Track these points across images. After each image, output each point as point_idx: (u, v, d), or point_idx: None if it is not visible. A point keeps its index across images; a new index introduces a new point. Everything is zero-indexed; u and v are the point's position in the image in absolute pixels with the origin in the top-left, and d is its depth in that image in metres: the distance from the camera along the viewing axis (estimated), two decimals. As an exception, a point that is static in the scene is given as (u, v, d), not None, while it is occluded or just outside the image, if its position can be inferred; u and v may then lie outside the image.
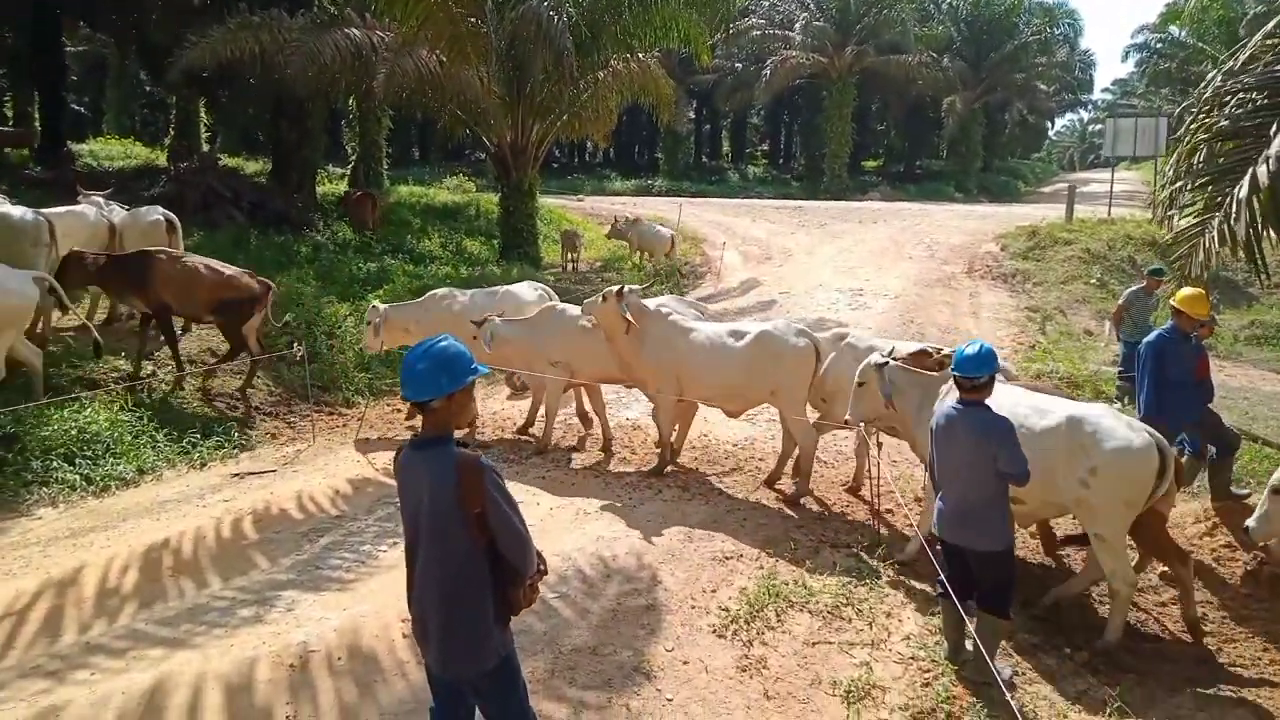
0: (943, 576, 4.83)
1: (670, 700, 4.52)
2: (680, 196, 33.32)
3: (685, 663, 4.84)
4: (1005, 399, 4.94)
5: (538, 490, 7.27)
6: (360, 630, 4.98)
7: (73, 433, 7.53)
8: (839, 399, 7.03)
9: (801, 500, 7.20)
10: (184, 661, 4.67)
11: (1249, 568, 6.16)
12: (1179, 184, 7.83)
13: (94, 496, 7.10)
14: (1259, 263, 6.98)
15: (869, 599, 5.55)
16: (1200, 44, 33.63)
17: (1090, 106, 70.00)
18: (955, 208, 32.00)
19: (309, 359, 9.17)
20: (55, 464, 7.24)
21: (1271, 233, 6.77)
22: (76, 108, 31.34)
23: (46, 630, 5.03)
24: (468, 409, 3.28)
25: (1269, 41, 7.42)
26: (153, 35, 18.66)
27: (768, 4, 40.89)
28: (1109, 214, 22.53)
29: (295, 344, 9.14)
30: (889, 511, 6.97)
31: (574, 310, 8.38)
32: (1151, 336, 7.09)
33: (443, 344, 3.19)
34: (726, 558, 6.09)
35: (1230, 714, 4.67)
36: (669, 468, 7.81)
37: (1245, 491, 6.83)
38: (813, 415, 7.43)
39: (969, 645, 4.80)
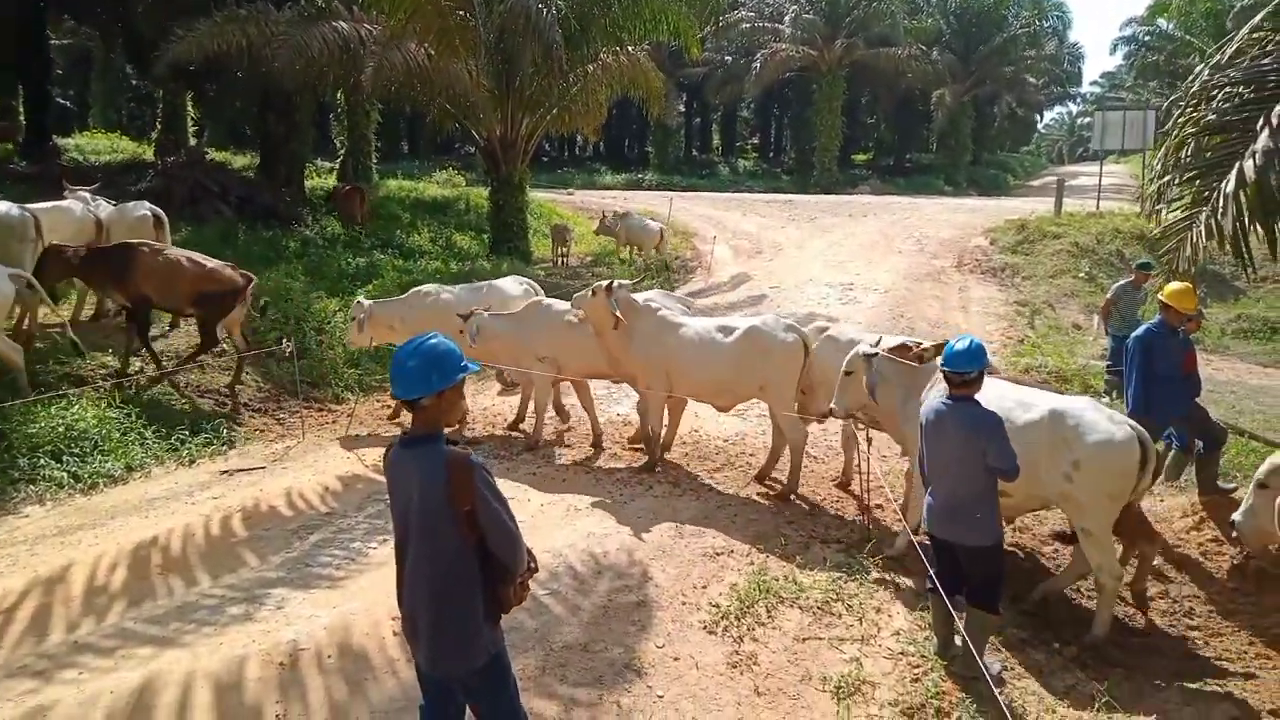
0: (932, 572, 4.84)
1: (661, 697, 4.53)
2: (670, 190, 33.28)
3: (676, 659, 4.85)
4: (989, 392, 4.96)
5: (528, 487, 7.26)
6: (350, 628, 4.97)
7: (60, 430, 7.48)
8: (819, 392, 7.07)
9: (792, 496, 7.21)
10: (173, 660, 4.65)
11: (1235, 562, 6.19)
12: (1167, 178, 7.85)
13: (82, 494, 7.06)
14: (1245, 257, 7.02)
15: (859, 594, 5.57)
16: (1188, 37, 33.78)
17: (1079, 99, 70.39)
18: (945, 201, 32.07)
19: (298, 355, 9.13)
20: (42, 461, 7.19)
21: (1258, 227, 6.80)
22: (62, 101, 31.02)
23: (34, 629, 5.00)
24: (458, 406, 3.27)
25: (1255, 35, 7.44)
26: (139, 28, 18.50)
27: (757, -3, 40.90)
28: (1097, 207, 22.61)
29: (284, 340, 9.10)
30: (879, 506, 6.99)
31: (560, 305, 8.37)
32: (1139, 331, 7.13)
33: (432, 341, 3.18)
34: (717, 554, 6.10)
35: (1216, 708, 4.71)
36: (657, 466, 7.81)
37: (1232, 486, 6.88)
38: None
39: (958, 641, 4.82)
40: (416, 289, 9.49)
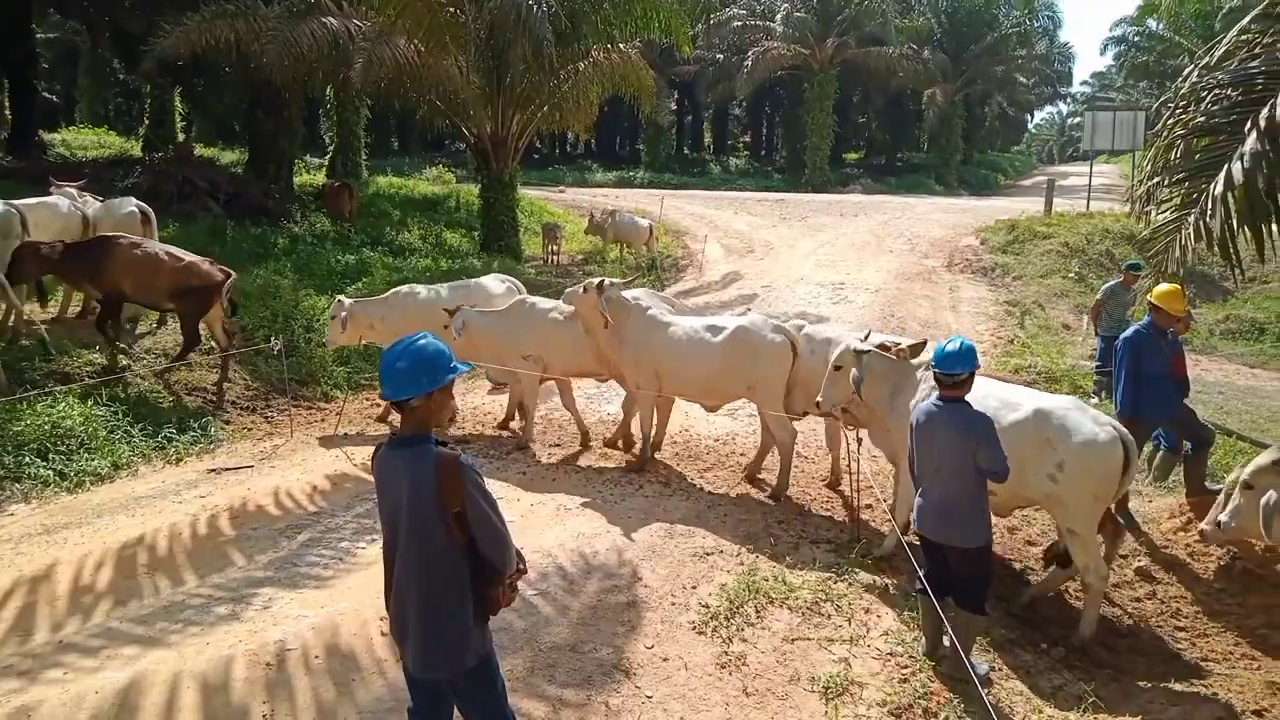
0: (921, 573, 4.85)
1: (650, 697, 4.52)
2: (662, 189, 33.29)
3: (665, 660, 4.85)
4: (975, 391, 4.96)
5: (518, 487, 7.24)
6: (338, 628, 4.95)
7: (46, 427, 7.42)
8: (797, 390, 7.08)
9: (781, 496, 7.21)
10: (159, 660, 4.62)
11: (1222, 563, 6.23)
12: (1156, 179, 7.86)
13: (67, 492, 7.01)
14: (1233, 259, 7.04)
15: (848, 595, 5.57)
16: (1177, 38, 33.99)
17: (1069, 99, 70.71)
18: (935, 201, 32.16)
19: (286, 352, 9.08)
20: (27, 459, 7.13)
21: (1246, 229, 6.82)
22: (48, 96, 30.74)
23: (18, 629, 4.96)
24: (447, 407, 3.25)
25: (1243, 38, 7.46)
26: (126, 23, 18.38)
27: (749, -5, 40.89)
28: (1087, 208, 22.73)
29: (272, 337, 9.05)
30: (868, 507, 7.00)
31: (546, 303, 8.36)
32: (1129, 332, 7.16)
33: (422, 342, 3.17)
34: (707, 554, 6.10)
35: (1202, 708, 4.73)
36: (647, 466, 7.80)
37: (1220, 486, 6.90)
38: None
39: (946, 641, 4.83)
40: (396, 289, 9.42)
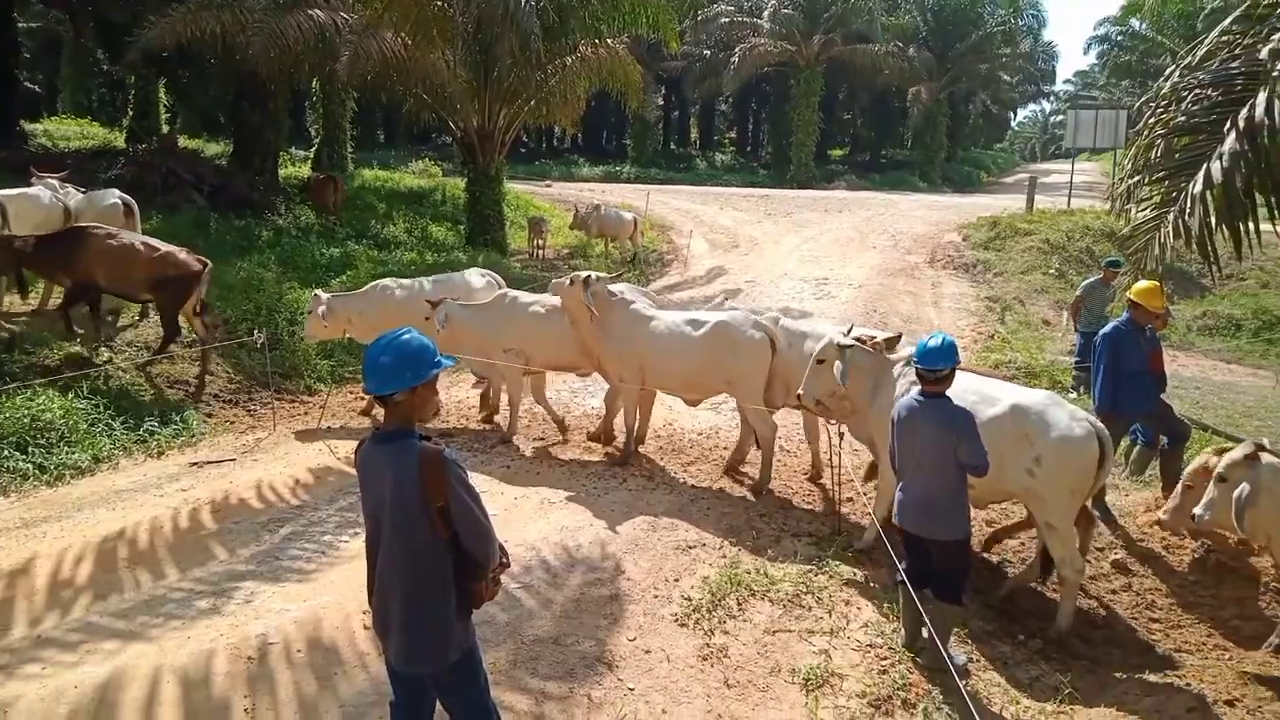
0: (901, 566, 4.90)
1: (632, 690, 4.55)
2: (648, 184, 33.28)
3: (647, 652, 4.88)
4: (954, 385, 5.00)
5: (501, 480, 7.25)
6: (320, 622, 4.95)
7: (25, 420, 7.36)
8: (774, 382, 7.11)
9: (763, 490, 7.25)
10: (139, 655, 4.61)
11: (1196, 556, 6.31)
12: (1136, 178, 7.93)
13: (47, 486, 6.96)
14: (1211, 256, 7.12)
15: (829, 587, 5.62)
16: (1160, 37, 34.23)
17: (1052, 98, 71.10)
18: (919, 197, 32.30)
19: (269, 346, 9.05)
20: (7, 452, 7.08)
21: (1224, 228, 6.90)
22: (30, 85, 30.37)
23: (-3, 623, 4.94)
24: (431, 402, 3.26)
25: (1224, 39, 7.53)
26: (109, 13, 18.20)
27: (736, -9, 40.90)
28: (1069, 205, 22.88)
29: (256, 330, 9.00)
30: (849, 500, 7.05)
31: (527, 297, 8.37)
32: (1107, 328, 7.23)
33: (406, 337, 3.17)
34: (690, 547, 6.13)
35: (1175, 698, 4.80)
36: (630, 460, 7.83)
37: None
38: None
39: (925, 633, 4.88)
40: (374, 283, 9.40)
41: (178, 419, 8.28)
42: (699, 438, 8.60)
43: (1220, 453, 5.54)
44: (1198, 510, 5.41)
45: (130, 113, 24.51)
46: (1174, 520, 5.74)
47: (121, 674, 4.42)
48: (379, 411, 3.21)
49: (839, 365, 5.81)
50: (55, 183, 10.80)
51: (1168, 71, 8.33)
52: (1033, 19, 45.82)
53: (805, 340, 6.93)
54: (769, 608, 5.37)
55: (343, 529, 6.24)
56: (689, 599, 5.39)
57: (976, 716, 3.77)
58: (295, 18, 14.92)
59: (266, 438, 8.32)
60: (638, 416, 7.92)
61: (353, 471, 3.53)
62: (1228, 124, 6.68)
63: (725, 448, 8.26)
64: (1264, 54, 6.65)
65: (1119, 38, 38.12)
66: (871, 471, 7.13)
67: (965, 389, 5.38)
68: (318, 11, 15.48)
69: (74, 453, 7.34)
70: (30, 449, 7.21)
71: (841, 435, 6.39)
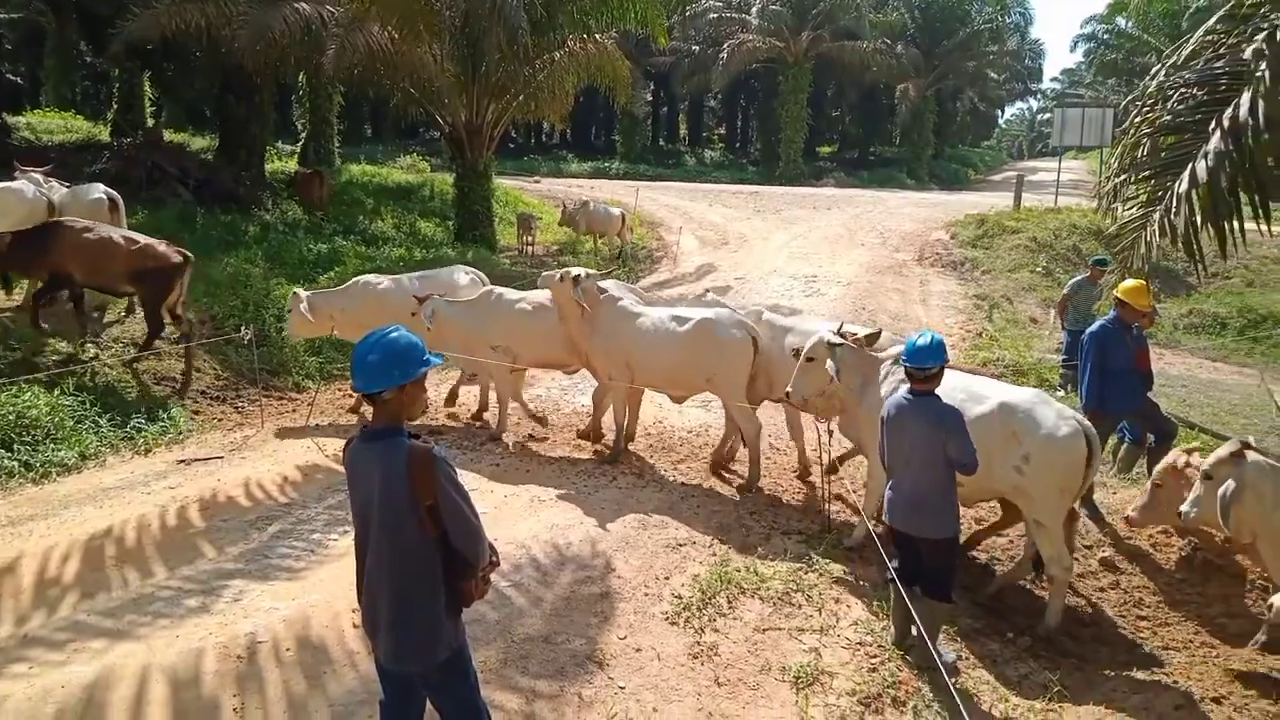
0: (891, 564, 4.92)
1: (623, 688, 4.55)
2: (637, 180, 33.26)
3: (638, 650, 4.88)
4: (943, 384, 5.02)
5: (491, 478, 7.24)
6: (309, 620, 4.93)
7: (10, 418, 7.29)
8: (759, 377, 7.12)
9: (752, 488, 7.26)
10: (127, 653, 4.58)
11: (1183, 554, 6.36)
12: (1123, 176, 7.99)
13: (33, 484, 6.91)
14: (1197, 255, 7.17)
15: (818, 585, 5.63)
16: (1146, 36, 34.42)
17: (1039, 96, 71.43)
18: (907, 195, 32.41)
19: (257, 342, 8.99)
20: (-9, 450, 7.03)
21: (1209, 226, 6.95)
22: (12, 78, 30.07)
23: (-17, 622, 4.89)
24: (419, 400, 3.25)
25: (1209, 38, 7.58)
26: (93, 5, 18.03)
27: (725, -14, 40.89)
28: (1056, 203, 22.99)
29: (243, 327, 8.94)
30: (838, 497, 7.07)
31: (513, 294, 8.36)
32: (1094, 326, 7.28)
33: (394, 335, 3.16)
34: (680, 545, 6.13)
35: (1163, 695, 4.84)
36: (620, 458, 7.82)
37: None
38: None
39: (915, 631, 4.90)
40: (356, 279, 9.34)
41: (165, 416, 8.22)
42: (689, 435, 8.60)
43: (1191, 452, 5.59)
44: (1184, 508, 5.44)
45: (115, 106, 24.27)
46: (1142, 517, 5.76)
47: (109, 673, 4.39)
48: (367, 409, 3.19)
49: (830, 363, 5.82)
50: (39, 177, 10.67)
51: (1153, 70, 8.39)
52: (1020, 17, 46.10)
53: (788, 335, 6.95)
54: (759, 605, 5.38)
55: (331, 527, 6.22)
56: (679, 597, 5.40)
57: (965, 714, 3.78)
58: (281, 10, 14.81)
59: (254, 435, 8.28)
60: (627, 414, 7.92)
61: (341, 469, 3.51)
62: (1213, 123, 6.74)
63: (715, 446, 8.26)
64: (1248, 54, 6.70)
65: (1105, 36, 38.34)
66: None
67: (953, 387, 5.39)
68: (304, 4, 15.36)
69: (60, 450, 7.28)
70: (16, 446, 7.14)
71: (830, 433, 6.41)
